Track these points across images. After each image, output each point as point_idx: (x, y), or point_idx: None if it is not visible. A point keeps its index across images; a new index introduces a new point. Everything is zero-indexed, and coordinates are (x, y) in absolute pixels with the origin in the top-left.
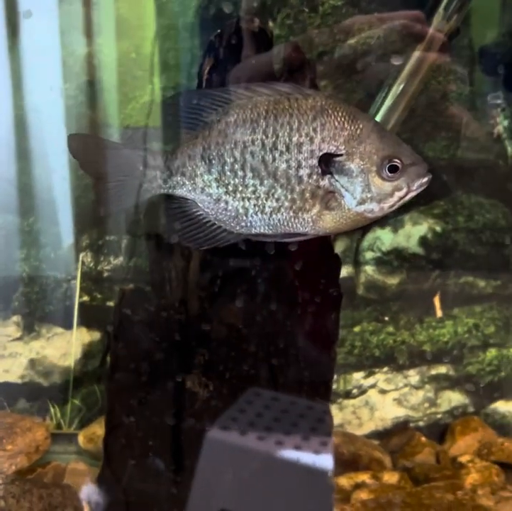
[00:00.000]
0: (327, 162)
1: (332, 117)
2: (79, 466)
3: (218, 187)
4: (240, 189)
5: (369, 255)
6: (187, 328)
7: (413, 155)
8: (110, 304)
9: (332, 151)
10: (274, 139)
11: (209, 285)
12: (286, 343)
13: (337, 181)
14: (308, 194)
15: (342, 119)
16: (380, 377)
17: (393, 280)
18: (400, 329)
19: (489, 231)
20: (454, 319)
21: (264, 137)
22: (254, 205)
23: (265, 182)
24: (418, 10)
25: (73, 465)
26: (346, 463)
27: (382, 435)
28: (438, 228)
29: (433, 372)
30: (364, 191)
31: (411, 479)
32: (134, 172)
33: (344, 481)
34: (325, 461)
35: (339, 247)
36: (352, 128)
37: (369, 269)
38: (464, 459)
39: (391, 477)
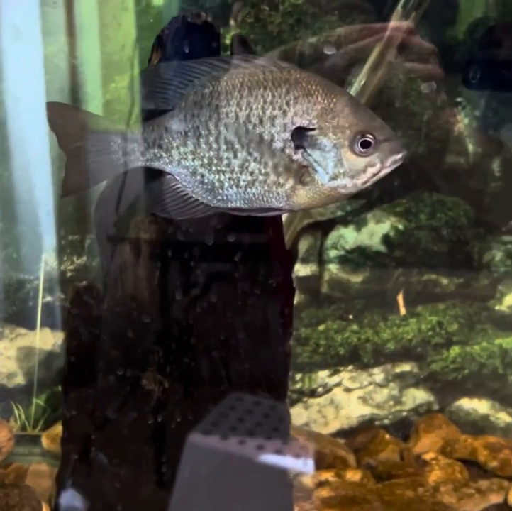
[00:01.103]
0: (300, 136)
1: (306, 90)
2: (42, 467)
3: (193, 159)
4: (215, 162)
5: (332, 253)
6: (140, 325)
7: (388, 130)
8: None
9: (305, 125)
10: (247, 112)
11: (159, 280)
12: (238, 338)
13: (309, 155)
14: (281, 169)
15: (316, 93)
16: (345, 376)
17: (357, 278)
18: (364, 327)
19: (451, 229)
20: (417, 317)
21: (237, 109)
22: (229, 178)
23: (239, 155)
24: (377, 8)
25: (35, 466)
26: (310, 462)
27: (348, 433)
28: (401, 226)
29: (397, 370)
30: (336, 166)
31: (374, 477)
32: (113, 146)
33: (308, 479)
34: (283, 460)
35: (302, 245)
36: (326, 102)
37: (333, 267)
38: (428, 456)
39: (354, 475)
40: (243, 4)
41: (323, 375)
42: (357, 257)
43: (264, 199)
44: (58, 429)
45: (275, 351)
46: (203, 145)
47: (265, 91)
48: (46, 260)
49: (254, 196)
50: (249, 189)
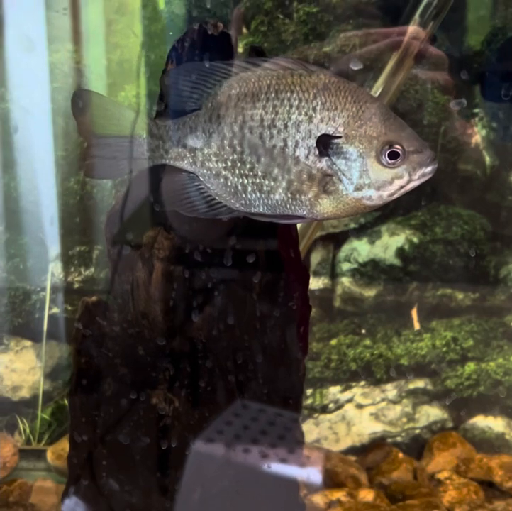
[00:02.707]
0: (325, 144)
1: (334, 96)
2: (47, 484)
3: (217, 161)
4: (239, 165)
5: (345, 266)
6: (150, 343)
7: (418, 141)
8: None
9: (331, 132)
10: (273, 116)
11: (172, 298)
12: (252, 357)
13: (334, 164)
14: (305, 176)
15: (344, 99)
16: (357, 392)
17: (370, 292)
18: (377, 342)
19: (467, 242)
20: (432, 332)
21: (263, 113)
22: (253, 183)
23: (262, 159)
24: (393, 18)
25: (40, 482)
26: (321, 480)
27: (359, 451)
28: (415, 240)
29: (411, 386)
30: (361, 176)
31: (387, 497)
32: (137, 139)
33: (319, 498)
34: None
35: (315, 258)
36: (354, 109)
37: (345, 281)
38: (442, 476)
39: (366, 495)
40: (243, 10)
41: (334, 390)
42: (370, 271)
43: (287, 206)
44: (63, 444)
45: (291, 372)
46: (227, 148)
47: (292, 95)
48: (53, 270)
49: (277, 202)
50: (272, 195)
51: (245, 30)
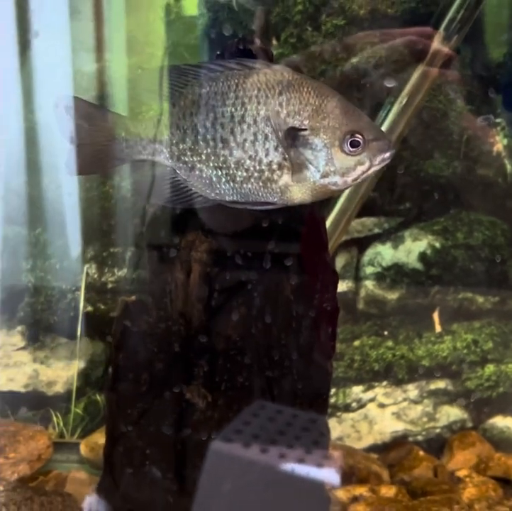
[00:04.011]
0: (292, 136)
1: (298, 92)
2: (80, 475)
3: (192, 155)
4: (212, 158)
5: (369, 270)
6: (187, 340)
7: (376, 130)
8: (114, 315)
9: (297, 125)
10: (242, 112)
11: (208, 298)
12: (283, 355)
13: (301, 154)
14: (275, 166)
15: (307, 94)
16: (379, 391)
17: (392, 295)
18: (399, 344)
19: (488, 248)
20: (453, 335)
21: (233, 109)
22: (226, 174)
23: (235, 152)
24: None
25: (74, 473)
26: (344, 476)
27: (381, 449)
28: (438, 245)
29: (432, 387)
30: (327, 164)
31: (408, 493)
32: (116, 138)
33: (342, 493)
34: (322, 474)
35: (339, 262)
36: (317, 103)
37: (369, 284)
38: (461, 474)
39: (388, 491)
40: (265, 14)
41: (357, 390)
42: (393, 275)
43: (259, 194)
44: (96, 437)
45: (321, 370)
46: (201, 142)
47: (259, 92)
48: (88, 271)
49: (249, 191)
50: (245, 185)
51: (274, 42)
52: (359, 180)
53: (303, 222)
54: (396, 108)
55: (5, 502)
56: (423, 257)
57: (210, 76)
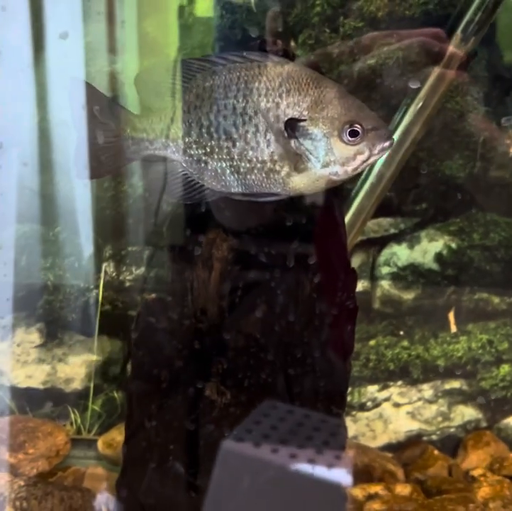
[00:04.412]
0: (292, 127)
1: (297, 83)
2: (98, 471)
3: (197, 148)
4: (217, 150)
5: (385, 269)
6: (207, 337)
7: (375, 119)
8: (132, 313)
9: (297, 116)
10: (244, 104)
11: (229, 295)
12: (303, 353)
13: (302, 145)
14: (276, 157)
15: (306, 86)
16: (394, 391)
17: (408, 295)
18: (415, 344)
19: (504, 248)
20: (468, 335)
21: (235, 102)
22: (230, 166)
23: (237, 144)
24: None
25: (92, 469)
26: (359, 474)
27: (395, 448)
28: (454, 245)
29: (447, 386)
30: (327, 154)
31: (423, 491)
32: (122, 134)
33: (357, 492)
34: (339, 473)
35: (355, 262)
36: (315, 93)
37: (385, 284)
38: (476, 473)
39: (403, 489)
40: (277, 16)
41: (372, 389)
42: (409, 275)
43: (263, 185)
44: (113, 434)
45: (340, 368)
46: (205, 135)
47: (260, 84)
48: (106, 269)
49: (253, 182)
50: (248, 176)
51: (293, 43)
52: (359, 170)
53: (323, 220)
54: (412, 110)
55: (26, 497)
56: (439, 257)
57: (213, 69)
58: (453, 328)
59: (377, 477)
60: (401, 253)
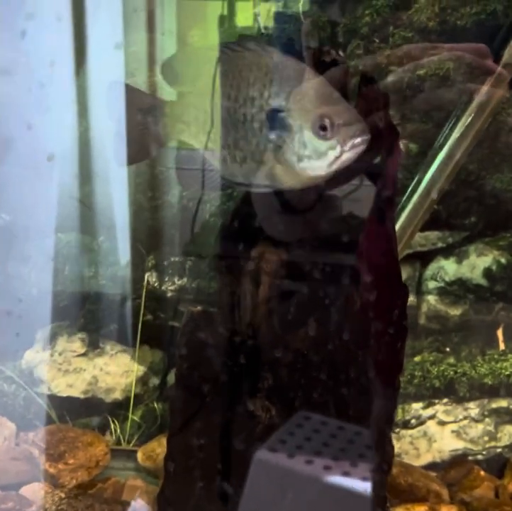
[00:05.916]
0: (272, 117)
1: (280, 74)
2: (137, 483)
3: (204, 134)
4: (219, 137)
5: (432, 284)
6: (253, 352)
7: (349, 115)
8: (173, 323)
9: (277, 107)
10: (236, 92)
11: (277, 310)
12: (352, 371)
13: (281, 136)
14: (261, 147)
15: (288, 77)
16: (439, 409)
17: (455, 311)
18: (461, 361)
19: None
20: None
21: (230, 90)
22: (229, 153)
23: (231, 132)
24: (487, 43)
25: (131, 481)
26: (403, 494)
27: (440, 467)
28: (503, 260)
29: (494, 405)
30: (301, 147)
31: None
32: (151, 120)
33: None
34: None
35: (402, 275)
36: (295, 85)
37: (431, 299)
38: None
39: (449, 510)
40: (311, 24)
41: (416, 406)
42: (456, 290)
43: (256, 174)
44: (153, 445)
45: (391, 387)
46: (209, 122)
47: (250, 73)
48: (148, 279)
49: (248, 171)
50: (244, 165)
51: (341, 53)
52: (335, 167)
53: (376, 234)
54: (462, 122)
55: (66, 510)
56: (487, 272)
57: (217, 58)
58: (501, 346)
59: (422, 496)
60: (448, 268)
